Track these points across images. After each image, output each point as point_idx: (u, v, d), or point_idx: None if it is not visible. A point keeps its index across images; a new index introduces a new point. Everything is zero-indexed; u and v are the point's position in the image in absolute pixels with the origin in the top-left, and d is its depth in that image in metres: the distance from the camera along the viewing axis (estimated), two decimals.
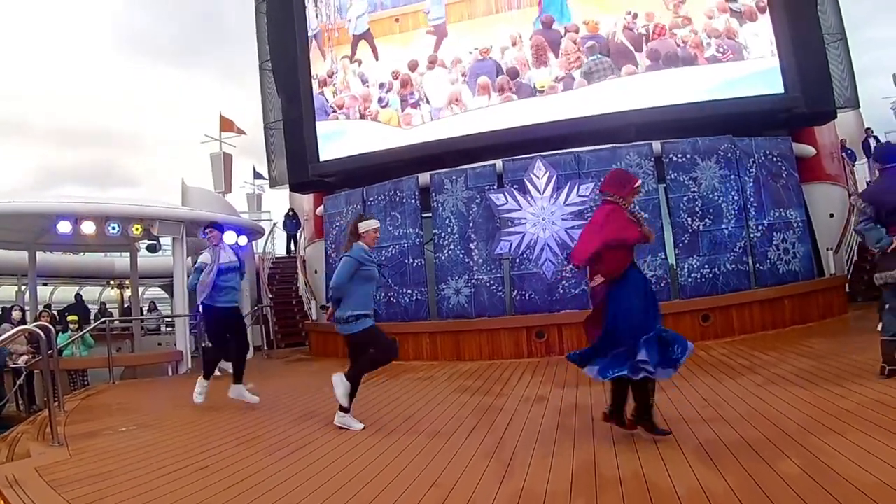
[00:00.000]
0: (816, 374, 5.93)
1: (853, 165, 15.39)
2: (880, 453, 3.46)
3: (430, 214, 10.85)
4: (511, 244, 10.06)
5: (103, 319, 13.62)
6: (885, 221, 5.34)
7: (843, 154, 15.26)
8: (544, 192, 10.07)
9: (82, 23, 53.89)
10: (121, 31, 53.88)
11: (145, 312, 19.22)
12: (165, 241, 13.22)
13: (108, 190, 47.43)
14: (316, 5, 13.14)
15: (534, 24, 11.43)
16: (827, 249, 11.06)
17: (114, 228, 10.96)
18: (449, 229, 10.55)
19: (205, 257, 6.94)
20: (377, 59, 12.37)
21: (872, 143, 16.43)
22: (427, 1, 12.10)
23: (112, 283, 22.53)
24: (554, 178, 10.06)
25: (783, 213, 10.16)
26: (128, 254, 15.93)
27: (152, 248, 14.15)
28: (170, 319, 15.86)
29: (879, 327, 7.53)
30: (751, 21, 10.76)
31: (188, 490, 3.96)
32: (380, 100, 12.27)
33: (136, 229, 11.13)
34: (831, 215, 11.85)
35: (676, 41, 10.86)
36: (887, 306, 5.49)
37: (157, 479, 4.23)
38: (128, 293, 20.54)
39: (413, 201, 10.99)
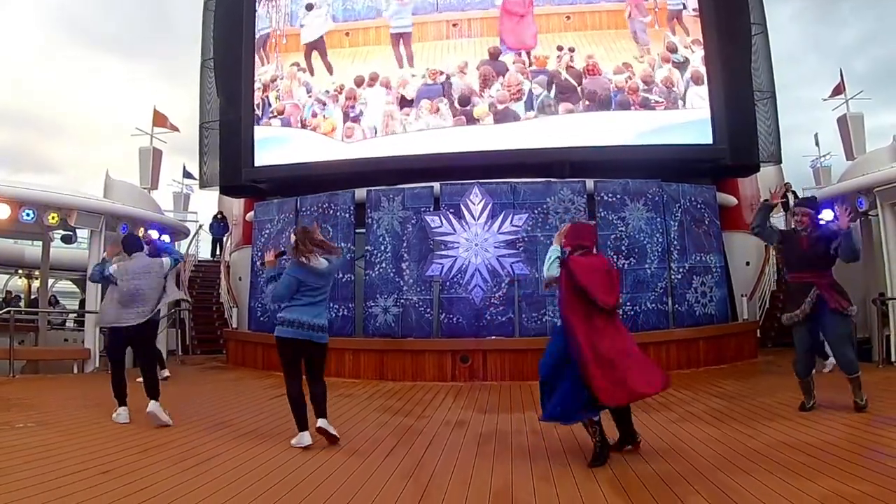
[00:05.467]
0: (727, 413, 6.15)
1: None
2: (785, 493, 3.60)
3: (363, 230, 10.76)
4: (443, 267, 10.09)
5: (7, 309, 12.81)
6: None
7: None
8: (479, 218, 10.18)
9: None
10: (56, 13, 51.45)
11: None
12: (82, 233, 12.62)
13: (20, 174, 44.86)
14: (268, 10, 12.94)
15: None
16: (742, 296, 11.56)
17: (28, 215, 10.37)
18: (382, 247, 10.48)
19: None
20: (331, 73, 12.25)
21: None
22: (389, 11, 12.12)
23: (21, 271, 21.29)
24: (490, 206, 10.19)
25: (703, 258, 10.59)
26: (40, 243, 15.09)
27: (67, 239, 13.44)
28: (78, 315, 15.08)
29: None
30: (688, 75, 11.30)
31: (88, 493, 3.79)
32: (322, 109, 12.13)
33: (53, 218, 10.57)
34: (747, 263, 12.47)
35: (612, 86, 11.27)
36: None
37: (55, 480, 4.03)
38: (36, 284, 19.41)
39: (347, 216, 10.89)
